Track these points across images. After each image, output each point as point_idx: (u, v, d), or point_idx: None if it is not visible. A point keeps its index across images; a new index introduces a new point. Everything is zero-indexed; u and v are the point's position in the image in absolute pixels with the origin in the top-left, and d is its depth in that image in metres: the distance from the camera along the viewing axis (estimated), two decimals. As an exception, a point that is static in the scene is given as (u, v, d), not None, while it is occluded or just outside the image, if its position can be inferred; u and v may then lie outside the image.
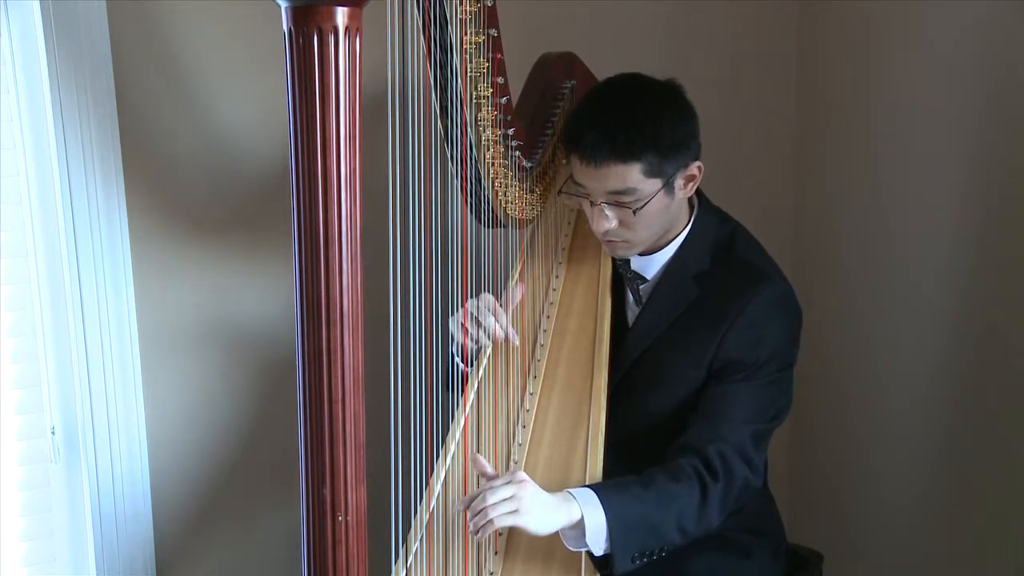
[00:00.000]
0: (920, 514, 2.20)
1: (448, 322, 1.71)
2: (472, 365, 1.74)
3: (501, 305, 1.69)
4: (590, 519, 1.43)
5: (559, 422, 1.65)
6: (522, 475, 1.42)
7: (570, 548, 1.46)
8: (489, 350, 1.73)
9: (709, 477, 1.52)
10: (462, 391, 1.72)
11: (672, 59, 1.76)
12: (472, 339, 1.68)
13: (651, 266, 1.73)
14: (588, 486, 1.48)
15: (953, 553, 2.12)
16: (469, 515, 1.41)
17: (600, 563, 1.48)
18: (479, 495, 1.41)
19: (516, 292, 1.73)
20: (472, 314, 1.67)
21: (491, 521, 1.38)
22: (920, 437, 2.19)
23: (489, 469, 1.46)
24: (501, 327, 1.66)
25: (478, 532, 1.39)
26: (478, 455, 1.48)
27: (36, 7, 1.81)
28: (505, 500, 1.39)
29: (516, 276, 1.85)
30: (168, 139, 1.98)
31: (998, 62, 1.92)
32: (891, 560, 2.30)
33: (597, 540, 1.44)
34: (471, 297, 1.67)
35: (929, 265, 2.12)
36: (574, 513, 1.42)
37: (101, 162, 1.90)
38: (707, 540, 1.60)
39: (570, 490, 1.45)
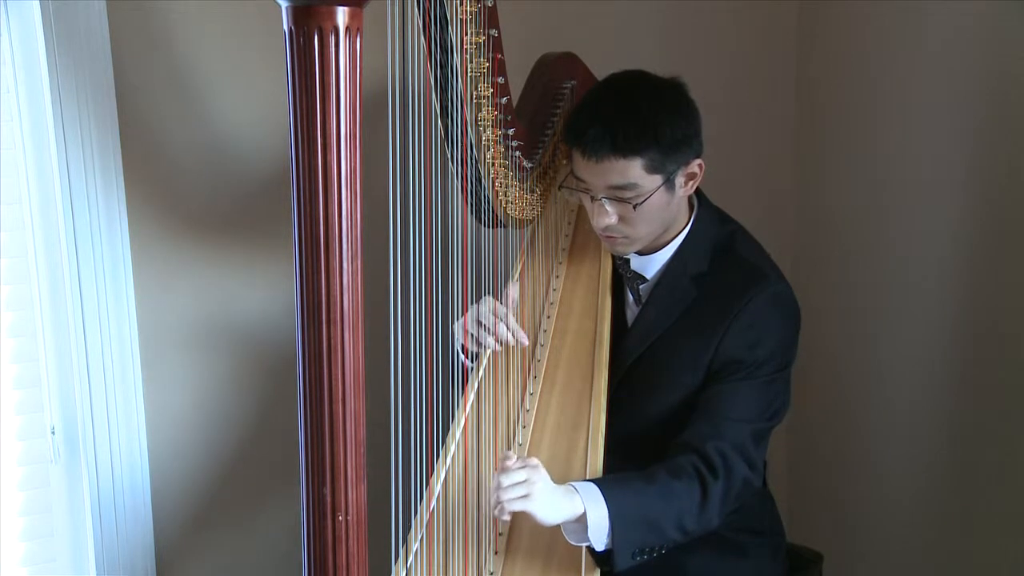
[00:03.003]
0: (920, 514, 2.20)
1: (452, 326, 1.70)
2: (474, 361, 1.74)
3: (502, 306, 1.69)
4: (592, 514, 1.43)
5: (559, 423, 1.65)
6: (535, 460, 1.43)
7: (571, 542, 1.46)
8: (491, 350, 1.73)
9: (709, 475, 1.52)
10: (463, 387, 1.72)
11: (672, 59, 1.76)
12: (482, 346, 1.68)
13: (651, 266, 1.73)
14: (591, 480, 1.48)
15: (953, 553, 2.12)
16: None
17: (600, 559, 1.48)
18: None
19: (512, 290, 1.72)
20: (480, 322, 1.67)
21: (502, 505, 1.39)
22: (920, 436, 2.18)
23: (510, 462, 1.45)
24: (511, 331, 1.67)
25: (496, 512, 1.40)
26: (509, 453, 1.47)
27: (36, 7, 1.81)
28: (518, 484, 1.40)
29: (516, 276, 1.84)
30: (168, 139, 1.98)
31: (998, 62, 1.92)
32: (891, 560, 2.30)
33: (599, 535, 1.44)
34: (472, 302, 1.67)
35: (929, 265, 2.12)
36: (577, 507, 1.43)
37: (101, 162, 1.90)
38: (707, 540, 1.60)
39: (573, 484, 1.45)
